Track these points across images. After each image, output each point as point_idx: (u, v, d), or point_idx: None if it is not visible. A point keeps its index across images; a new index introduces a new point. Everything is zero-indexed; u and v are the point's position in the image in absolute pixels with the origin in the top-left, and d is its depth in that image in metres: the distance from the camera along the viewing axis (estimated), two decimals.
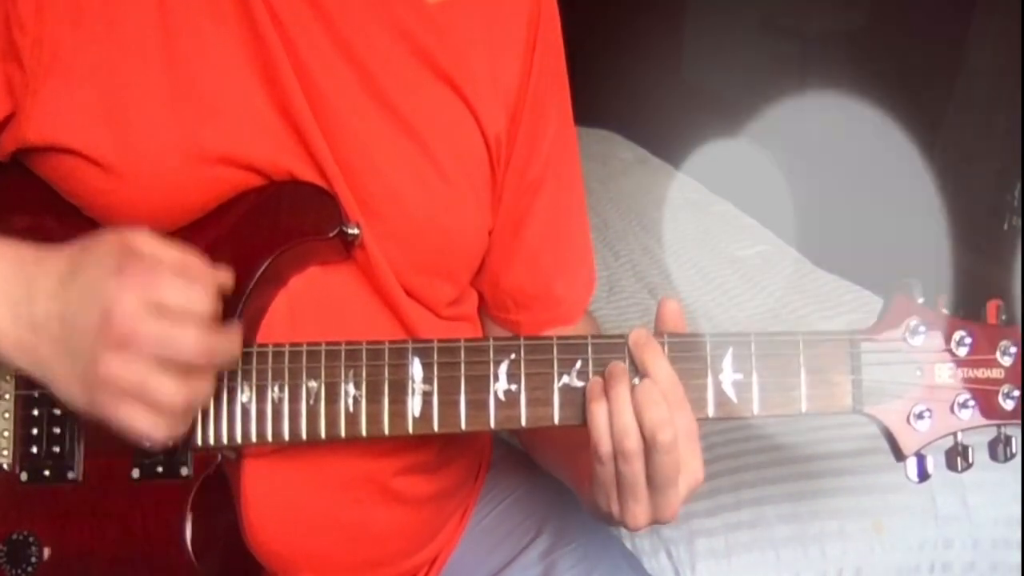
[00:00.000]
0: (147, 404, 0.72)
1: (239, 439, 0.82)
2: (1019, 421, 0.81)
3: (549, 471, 1.07)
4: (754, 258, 2.28)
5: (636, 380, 0.80)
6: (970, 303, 0.83)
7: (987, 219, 2.73)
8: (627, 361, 0.81)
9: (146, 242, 0.75)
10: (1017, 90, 2.58)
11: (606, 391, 0.79)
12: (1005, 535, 1.41)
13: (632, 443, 0.77)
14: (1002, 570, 1.41)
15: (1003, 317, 0.82)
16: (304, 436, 0.82)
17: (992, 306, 0.81)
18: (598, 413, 0.79)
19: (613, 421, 0.78)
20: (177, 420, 0.74)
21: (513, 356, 0.81)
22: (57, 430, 0.83)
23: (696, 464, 0.80)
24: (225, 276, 0.78)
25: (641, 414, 0.77)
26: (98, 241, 0.75)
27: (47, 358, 0.74)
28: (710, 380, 0.81)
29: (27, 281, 0.74)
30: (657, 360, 0.80)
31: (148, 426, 0.73)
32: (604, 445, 0.78)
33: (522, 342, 0.82)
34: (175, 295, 0.72)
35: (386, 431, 0.81)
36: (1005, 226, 2.68)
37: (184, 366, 0.73)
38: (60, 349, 0.73)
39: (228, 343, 0.76)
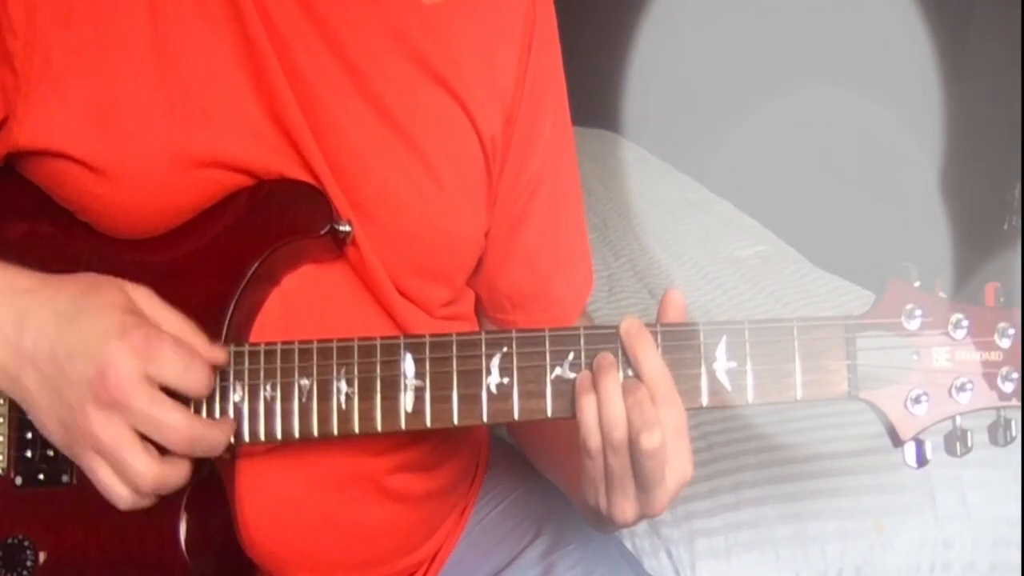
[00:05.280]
0: (116, 469, 0.73)
1: (232, 439, 0.81)
2: (1018, 404, 0.80)
3: (542, 472, 1.06)
4: (754, 258, 2.28)
5: (629, 372, 0.79)
6: (970, 303, 0.81)
7: (987, 219, 2.74)
8: (619, 353, 0.80)
9: (149, 303, 0.76)
10: (1017, 90, 2.58)
11: (595, 383, 0.78)
12: (1005, 534, 1.40)
13: (621, 433, 0.76)
14: (1002, 570, 1.40)
15: (1001, 299, 0.80)
16: (297, 434, 0.81)
17: (990, 288, 0.80)
18: (587, 406, 0.78)
19: (602, 413, 0.77)
20: (141, 495, 0.74)
21: (505, 349, 0.81)
22: None
23: (684, 461, 0.78)
24: (222, 355, 0.78)
25: (627, 414, 0.77)
26: (100, 289, 0.75)
27: (29, 388, 0.74)
28: (704, 369, 0.80)
29: (18, 311, 0.74)
30: (647, 354, 0.79)
31: (111, 488, 0.74)
32: (593, 439, 0.77)
33: (514, 335, 0.81)
34: (174, 374, 0.73)
35: (379, 427, 0.81)
36: (1005, 226, 2.69)
37: (163, 447, 0.74)
38: (45, 385, 0.73)
39: (214, 436, 0.76)
